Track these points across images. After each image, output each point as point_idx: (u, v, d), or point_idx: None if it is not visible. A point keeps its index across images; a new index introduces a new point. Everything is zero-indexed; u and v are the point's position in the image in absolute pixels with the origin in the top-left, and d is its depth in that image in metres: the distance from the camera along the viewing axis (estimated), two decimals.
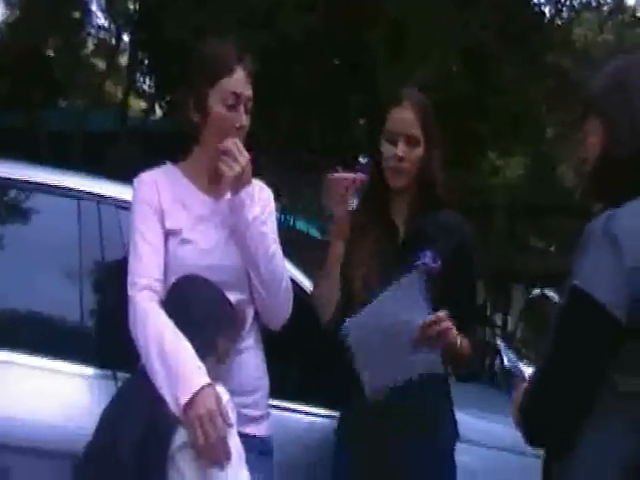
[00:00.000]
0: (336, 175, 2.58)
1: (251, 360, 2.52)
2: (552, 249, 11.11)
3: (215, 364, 2.35)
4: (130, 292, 2.39)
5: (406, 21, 9.12)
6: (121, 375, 2.61)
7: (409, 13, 8.87)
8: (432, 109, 2.69)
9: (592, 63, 10.43)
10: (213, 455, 2.18)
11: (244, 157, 2.41)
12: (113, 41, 14.83)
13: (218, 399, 2.22)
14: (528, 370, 2.07)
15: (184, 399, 2.19)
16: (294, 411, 2.99)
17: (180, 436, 2.20)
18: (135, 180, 2.54)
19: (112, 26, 14.87)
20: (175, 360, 2.25)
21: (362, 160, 2.63)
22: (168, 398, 2.22)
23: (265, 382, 2.56)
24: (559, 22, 10.48)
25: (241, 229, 2.45)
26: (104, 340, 2.74)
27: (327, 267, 2.63)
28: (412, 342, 2.42)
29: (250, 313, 2.52)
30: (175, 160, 2.62)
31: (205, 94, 2.46)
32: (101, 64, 16.81)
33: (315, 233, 10.59)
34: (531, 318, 9.16)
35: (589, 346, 1.78)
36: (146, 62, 13.86)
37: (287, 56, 8.11)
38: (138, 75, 14.98)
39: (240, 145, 2.43)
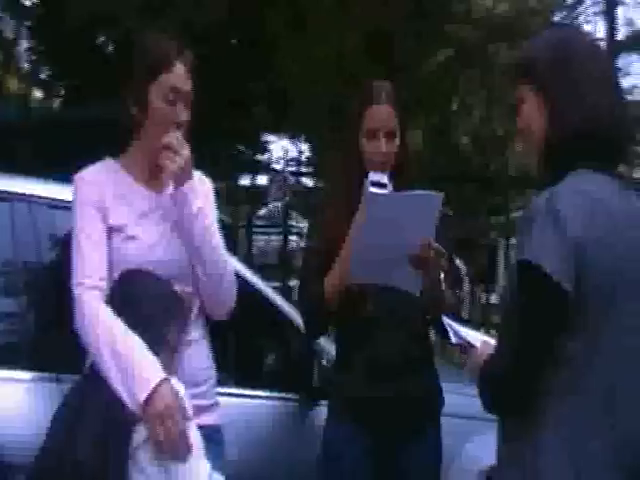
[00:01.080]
0: None
1: (199, 351, 2.53)
2: (450, 214, 11.37)
3: (169, 358, 2.35)
4: (76, 291, 2.37)
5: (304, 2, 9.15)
6: (65, 377, 2.62)
7: None
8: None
9: (491, 32, 10.70)
10: (174, 450, 2.19)
11: (185, 151, 2.42)
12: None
13: (175, 393, 2.23)
14: (472, 335, 2.13)
15: (142, 397, 2.19)
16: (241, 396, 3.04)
17: (140, 433, 2.20)
18: (76, 178, 2.51)
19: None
20: (128, 358, 2.25)
21: (373, 175, 2.62)
22: (125, 397, 2.22)
23: (213, 372, 2.58)
24: None
25: (185, 222, 2.45)
26: (41, 343, 2.74)
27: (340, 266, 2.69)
28: (406, 255, 2.53)
29: (196, 304, 2.52)
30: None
31: (145, 89, 2.46)
32: None
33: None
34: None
35: (544, 316, 1.86)
36: (42, 50, 13.49)
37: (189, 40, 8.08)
38: (34, 64, 14.61)
39: (181, 139, 2.43)
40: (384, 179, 2.61)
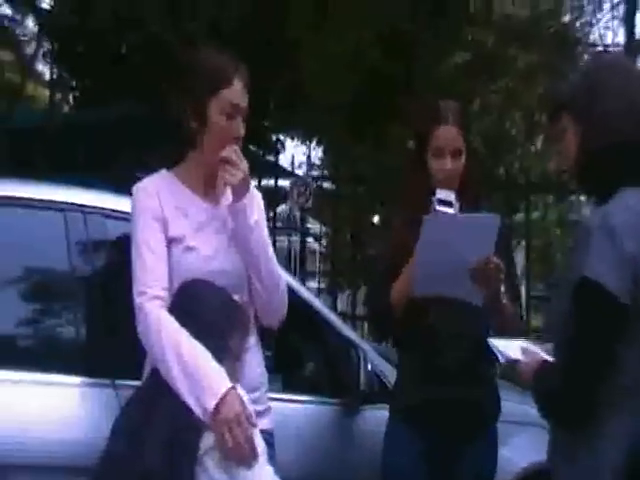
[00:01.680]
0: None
1: (254, 358, 2.59)
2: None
3: (232, 366, 2.40)
4: (139, 301, 2.42)
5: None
6: (119, 383, 2.70)
7: None
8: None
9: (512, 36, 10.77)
10: (242, 456, 2.25)
11: (244, 165, 2.49)
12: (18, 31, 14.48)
13: (242, 401, 2.29)
14: (514, 348, 2.27)
15: (211, 405, 2.25)
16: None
17: (207, 440, 2.26)
18: (135, 188, 2.58)
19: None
20: (195, 367, 2.30)
21: (440, 193, 2.77)
22: (193, 404, 2.27)
23: (266, 378, 2.66)
24: None
25: (244, 234, 2.52)
26: (96, 349, 2.80)
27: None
28: (467, 270, 2.68)
29: (252, 313, 2.59)
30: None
31: (205, 104, 2.52)
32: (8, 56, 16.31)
33: None
34: None
35: (604, 329, 1.98)
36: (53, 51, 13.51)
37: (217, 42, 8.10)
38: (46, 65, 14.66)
39: (240, 153, 2.50)
40: (451, 197, 2.74)
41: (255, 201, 2.61)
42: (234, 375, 2.38)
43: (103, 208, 2.99)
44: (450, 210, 2.72)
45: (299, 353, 3.27)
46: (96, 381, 2.76)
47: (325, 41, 9.19)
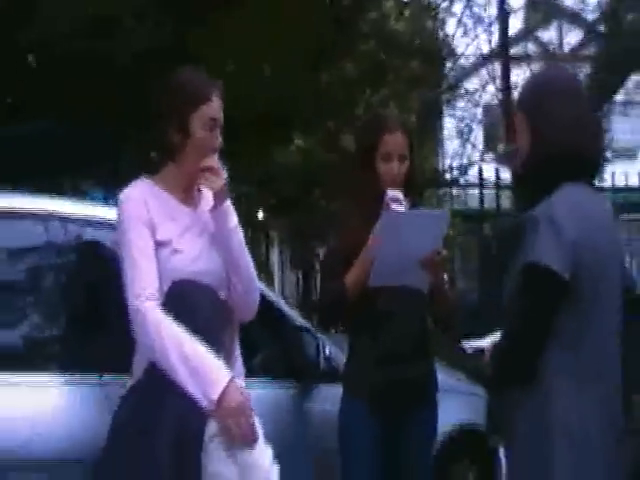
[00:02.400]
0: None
1: (235, 351, 2.80)
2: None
3: (227, 360, 2.58)
4: (134, 302, 2.53)
5: None
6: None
7: None
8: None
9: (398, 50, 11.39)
10: (245, 440, 2.46)
11: (223, 173, 2.69)
12: None
13: (243, 390, 2.48)
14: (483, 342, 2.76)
15: (216, 395, 2.42)
16: None
17: (211, 428, 2.43)
18: (121, 195, 2.71)
19: None
20: (197, 361, 2.45)
21: (390, 192, 3.15)
22: (197, 396, 2.43)
23: (242, 368, 2.83)
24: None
25: (225, 235, 2.72)
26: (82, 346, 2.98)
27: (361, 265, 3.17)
28: (417, 260, 3.07)
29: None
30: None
31: (187, 119, 2.70)
32: None
33: None
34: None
35: (547, 299, 2.41)
36: None
37: None
38: None
39: (219, 163, 2.70)
40: (400, 195, 3.14)
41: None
42: (229, 368, 2.54)
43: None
44: (401, 208, 3.11)
45: (261, 341, 3.61)
46: (82, 377, 2.93)
47: (224, 58, 9.40)
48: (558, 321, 2.42)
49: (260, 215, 12.68)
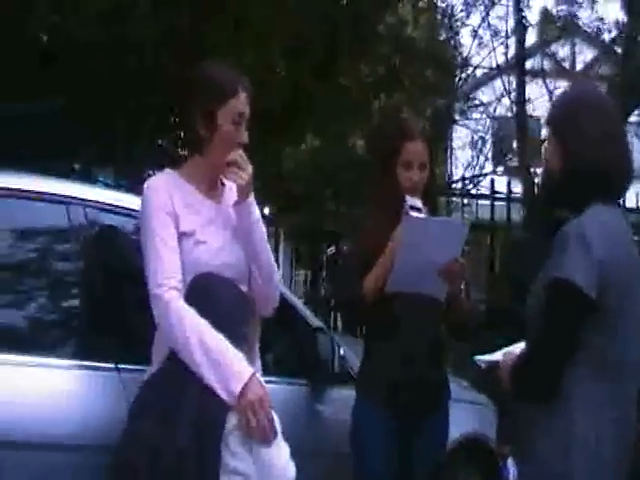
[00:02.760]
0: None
1: (255, 346, 2.82)
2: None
3: (249, 353, 2.61)
4: (158, 292, 2.56)
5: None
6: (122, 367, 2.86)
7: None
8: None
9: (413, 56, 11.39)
10: (264, 435, 2.47)
11: (249, 167, 2.72)
12: None
13: (262, 385, 2.50)
14: (496, 355, 2.78)
15: (237, 389, 2.44)
16: None
17: (231, 420, 2.45)
18: (146, 186, 2.74)
19: None
20: (219, 353, 2.47)
21: (410, 200, 3.17)
22: (218, 388, 2.45)
23: (259, 363, 2.85)
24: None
25: (248, 229, 2.76)
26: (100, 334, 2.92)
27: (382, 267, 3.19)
28: (435, 267, 3.09)
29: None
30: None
31: (214, 113, 2.73)
32: None
33: None
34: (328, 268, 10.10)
35: (574, 317, 2.42)
36: None
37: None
38: None
39: (245, 157, 2.73)
40: (419, 203, 3.16)
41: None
42: (251, 362, 2.58)
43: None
44: (421, 215, 3.13)
45: (276, 339, 3.60)
46: (99, 365, 2.87)
47: (240, 54, 9.41)
48: (583, 339, 2.43)
49: (266, 210, 12.73)
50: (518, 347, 2.73)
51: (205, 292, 2.57)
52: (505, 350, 2.73)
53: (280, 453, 2.52)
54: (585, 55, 14.03)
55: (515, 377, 2.54)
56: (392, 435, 3.23)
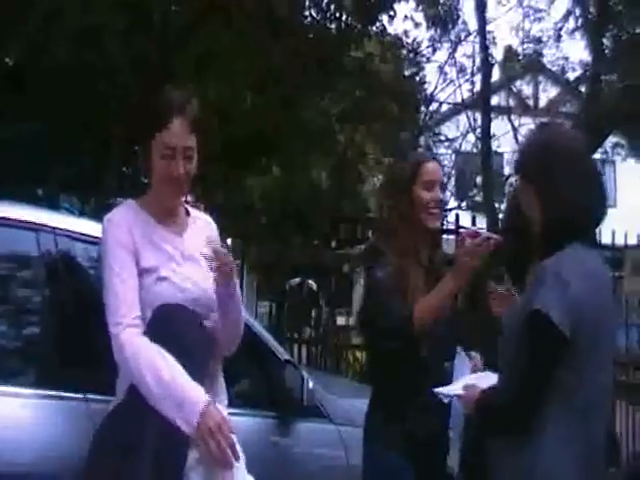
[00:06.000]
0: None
1: (219, 378, 2.78)
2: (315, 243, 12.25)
3: (211, 385, 2.60)
4: (115, 331, 2.52)
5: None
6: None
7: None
8: None
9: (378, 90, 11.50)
10: (225, 458, 2.42)
11: (227, 257, 2.59)
12: None
13: (220, 411, 2.46)
14: (456, 386, 2.79)
15: (195, 418, 2.40)
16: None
17: (192, 455, 2.42)
18: (105, 220, 2.67)
19: None
20: (175, 386, 2.43)
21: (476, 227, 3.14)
22: (177, 419, 2.41)
23: (226, 396, 2.82)
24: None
25: (223, 299, 2.68)
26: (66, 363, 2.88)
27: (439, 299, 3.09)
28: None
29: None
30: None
31: (147, 146, 2.65)
32: None
33: None
34: (291, 300, 10.16)
35: (548, 354, 2.43)
36: None
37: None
38: None
39: (219, 247, 2.60)
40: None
41: (213, 234, 2.81)
42: (215, 394, 2.58)
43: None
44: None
45: (245, 372, 3.56)
46: (67, 395, 2.84)
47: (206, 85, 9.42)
48: (555, 376, 2.43)
49: (229, 242, 12.71)
50: (478, 379, 2.73)
51: (167, 323, 2.54)
52: (464, 382, 2.73)
53: None
54: (549, 93, 14.25)
55: (485, 411, 2.54)
56: None
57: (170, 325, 2.53)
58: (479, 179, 12.30)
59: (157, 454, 2.40)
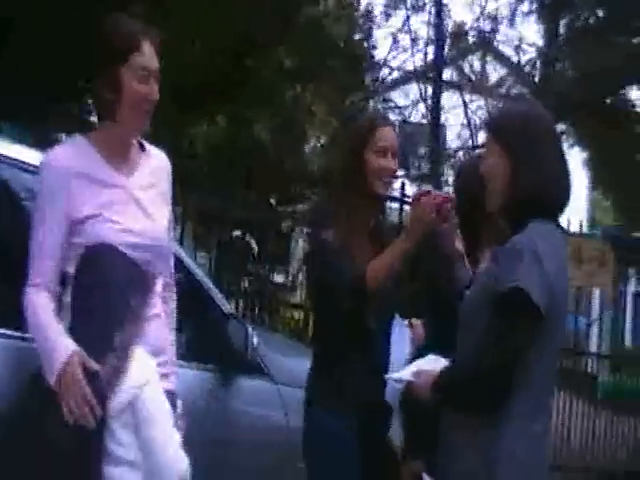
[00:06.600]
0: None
1: (160, 324, 2.66)
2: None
3: (135, 324, 2.49)
4: (27, 289, 2.51)
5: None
6: None
7: None
8: None
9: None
10: (82, 414, 2.33)
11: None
12: None
13: (83, 363, 2.37)
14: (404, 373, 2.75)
15: (56, 370, 2.37)
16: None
17: (113, 405, 2.36)
18: (44, 163, 2.55)
19: None
20: (47, 337, 2.44)
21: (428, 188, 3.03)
22: (46, 374, 2.39)
23: (172, 344, 2.75)
24: None
25: None
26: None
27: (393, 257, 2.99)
28: None
29: (159, 282, 2.67)
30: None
31: (117, 71, 2.53)
32: None
33: None
34: (230, 253, 10.14)
35: (525, 330, 2.39)
36: None
37: None
38: None
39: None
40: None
41: (165, 167, 2.74)
42: (136, 333, 2.47)
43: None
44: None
45: (188, 323, 3.45)
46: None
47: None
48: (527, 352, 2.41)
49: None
50: (427, 363, 2.68)
51: (92, 263, 2.49)
52: (413, 367, 2.66)
53: (169, 442, 2.44)
54: (499, 73, 14.24)
55: (448, 389, 2.49)
56: (357, 450, 3.03)
57: (95, 265, 2.47)
58: (423, 150, 12.31)
59: None
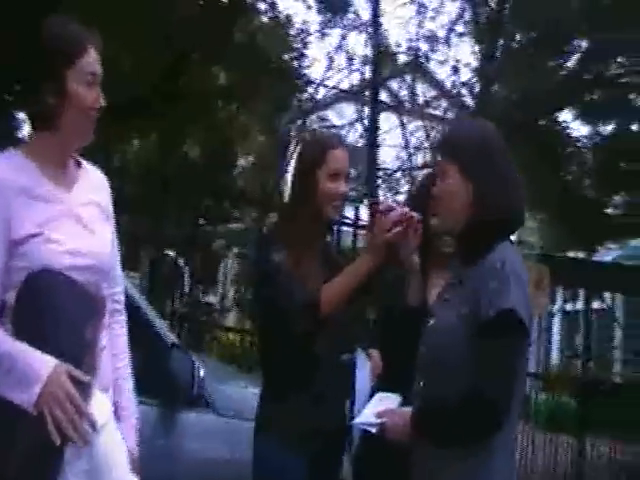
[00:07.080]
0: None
1: (107, 358, 2.47)
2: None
3: (91, 356, 2.28)
4: None
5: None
6: None
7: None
8: None
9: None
10: (78, 431, 2.13)
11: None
12: None
13: (71, 377, 2.16)
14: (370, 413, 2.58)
15: (38, 387, 2.13)
16: None
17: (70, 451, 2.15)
18: None
19: None
20: (16, 356, 2.18)
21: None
22: (17, 396, 2.14)
23: (127, 379, 2.58)
24: None
25: None
26: None
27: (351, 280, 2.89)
28: None
29: (107, 308, 2.49)
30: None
31: (63, 75, 2.40)
32: None
33: None
34: (158, 273, 9.94)
35: (522, 355, 2.37)
36: None
37: None
38: None
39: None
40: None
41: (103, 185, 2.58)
42: (92, 365, 2.28)
43: None
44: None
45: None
46: None
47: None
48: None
49: None
50: (382, 401, 2.59)
51: (39, 291, 2.25)
52: (378, 410, 2.53)
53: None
54: (431, 94, 14.22)
55: (435, 423, 2.38)
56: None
57: (42, 293, 2.25)
58: (359, 171, 12.18)
59: (34, 448, 2.10)
